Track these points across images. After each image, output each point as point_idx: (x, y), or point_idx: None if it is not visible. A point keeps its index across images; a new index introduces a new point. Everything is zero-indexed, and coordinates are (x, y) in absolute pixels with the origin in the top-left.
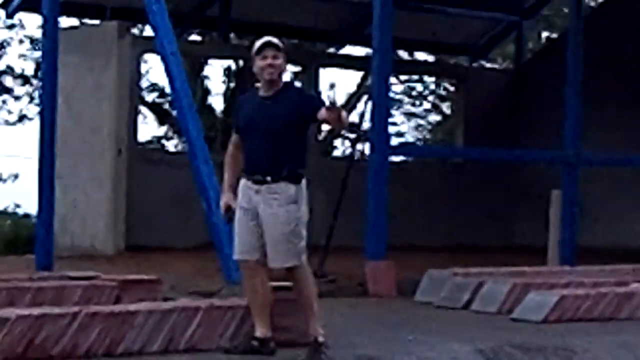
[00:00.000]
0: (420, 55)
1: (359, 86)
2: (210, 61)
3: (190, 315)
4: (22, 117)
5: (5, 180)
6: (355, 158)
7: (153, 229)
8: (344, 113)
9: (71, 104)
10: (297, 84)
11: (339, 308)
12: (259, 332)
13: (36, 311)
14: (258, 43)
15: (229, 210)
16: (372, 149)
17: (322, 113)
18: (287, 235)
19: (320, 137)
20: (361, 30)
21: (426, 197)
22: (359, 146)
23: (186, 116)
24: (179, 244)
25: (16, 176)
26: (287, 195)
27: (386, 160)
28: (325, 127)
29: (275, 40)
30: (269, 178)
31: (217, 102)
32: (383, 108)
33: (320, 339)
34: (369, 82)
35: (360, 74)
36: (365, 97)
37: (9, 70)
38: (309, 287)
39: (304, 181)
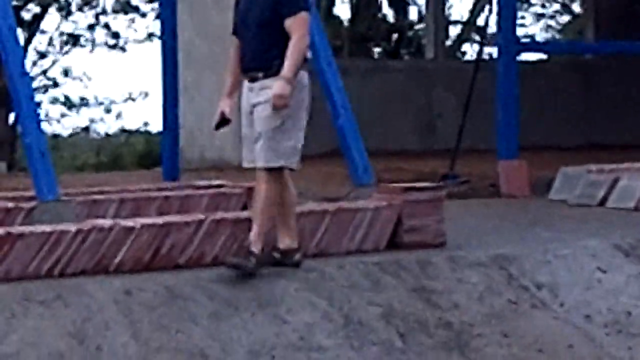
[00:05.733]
0: None
1: None
2: None
3: (318, 219)
4: (150, 35)
5: (135, 99)
6: (483, 59)
7: None
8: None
9: (194, 15)
10: None
11: (472, 209)
12: (282, 243)
13: (161, 220)
14: None
15: (223, 117)
16: (499, 47)
17: (287, 24)
18: (271, 132)
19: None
20: None
21: (558, 96)
22: (486, 49)
23: (310, 22)
24: (306, 151)
25: (146, 94)
26: None
27: (514, 58)
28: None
29: None
30: (260, 74)
31: (343, 11)
32: (509, 6)
33: (254, 249)
34: None
35: None
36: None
37: None
38: (272, 195)
39: (300, 77)
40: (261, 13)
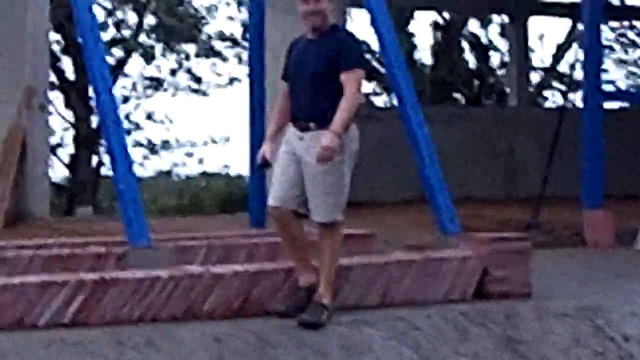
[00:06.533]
0: (632, 0)
1: (569, 35)
2: (415, 15)
3: (405, 268)
4: (231, 80)
5: (216, 143)
6: (567, 107)
7: (365, 183)
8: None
9: (280, 63)
10: (348, 29)
11: (555, 258)
12: (302, 280)
13: (251, 267)
14: None
15: (264, 160)
16: (585, 96)
17: (342, 77)
18: (328, 187)
19: None
20: None
21: None
22: (570, 95)
23: (395, 70)
24: (390, 198)
25: (227, 139)
26: None
27: (600, 107)
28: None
29: None
30: (312, 124)
31: (424, 56)
32: (595, 56)
33: (325, 301)
34: (578, 30)
35: (570, 22)
36: (576, 46)
37: (219, 34)
38: (337, 247)
39: (351, 130)
40: (318, 64)
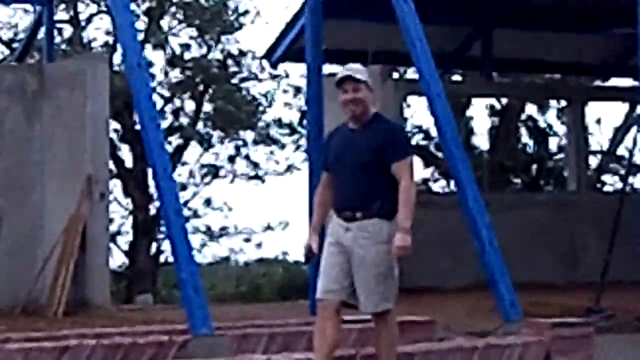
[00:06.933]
0: None
1: (626, 119)
2: (473, 100)
3: (467, 355)
4: (289, 167)
5: (274, 229)
6: (627, 191)
7: (424, 270)
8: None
9: None
10: (392, 119)
11: (618, 345)
12: None
13: (313, 355)
14: (338, 76)
15: (310, 253)
16: None
17: (394, 169)
18: (377, 277)
19: None
20: (626, 62)
21: None
22: (629, 179)
23: (454, 156)
24: (450, 284)
25: (286, 224)
26: (378, 233)
27: None
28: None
29: (355, 71)
30: (359, 214)
31: (481, 141)
32: None
33: None
34: (636, 113)
35: (627, 106)
36: (635, 130)
37: (276, 121)
38: (393, 336)
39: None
40: (362, 155)
